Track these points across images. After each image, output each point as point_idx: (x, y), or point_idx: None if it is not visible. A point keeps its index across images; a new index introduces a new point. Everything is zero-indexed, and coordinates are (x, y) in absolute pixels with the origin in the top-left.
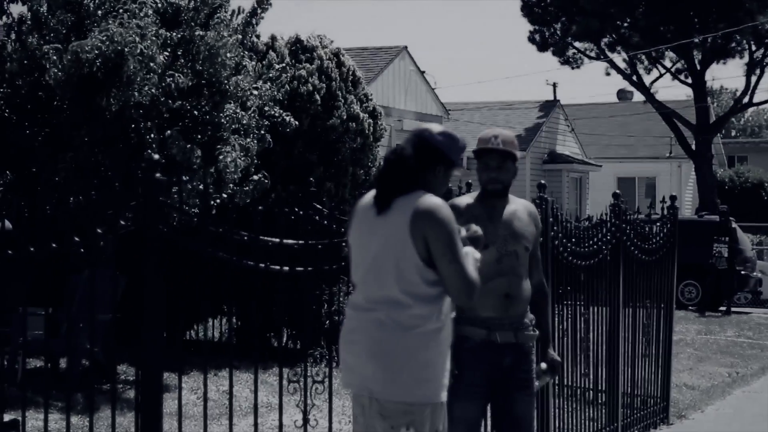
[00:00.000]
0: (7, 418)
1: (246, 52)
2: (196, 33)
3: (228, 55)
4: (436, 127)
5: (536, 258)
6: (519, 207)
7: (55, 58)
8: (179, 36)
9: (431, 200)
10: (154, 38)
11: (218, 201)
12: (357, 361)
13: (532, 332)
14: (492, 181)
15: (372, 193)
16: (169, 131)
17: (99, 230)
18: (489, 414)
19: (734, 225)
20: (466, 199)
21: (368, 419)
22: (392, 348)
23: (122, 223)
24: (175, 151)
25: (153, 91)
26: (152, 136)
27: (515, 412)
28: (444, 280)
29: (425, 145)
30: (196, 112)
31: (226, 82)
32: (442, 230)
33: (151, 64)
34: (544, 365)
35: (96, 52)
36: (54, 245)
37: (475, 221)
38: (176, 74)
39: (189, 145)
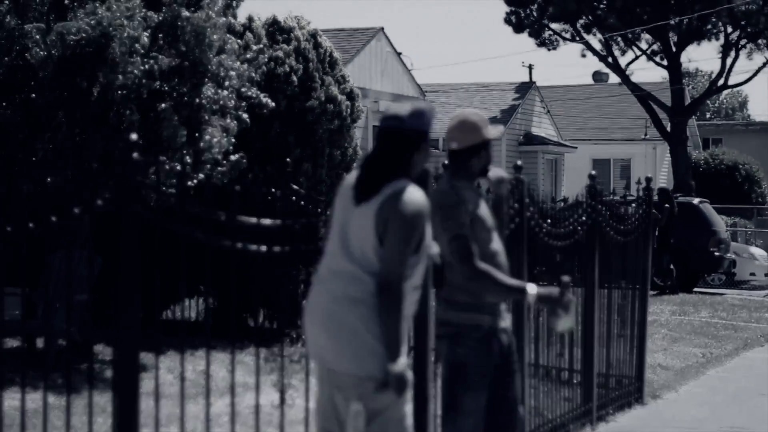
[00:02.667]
0: None
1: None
2: (183, 14)
3: (214, 36)
4: (401, 110)
5: None
6: None
7: (38, 37)
8: (161, 17)
9: (406, 195)
10: (140, 19)
11: (196, 181)
12: (314, 332)
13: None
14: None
15: (356, 173)
16: (163, 105)
17: (76, 210)
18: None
19: (701, 205)
20: (467, 191)
21: (327, 390)
22: (342, 320)
23: (99, 203)
24: (165, 126)
25: (136, 72)
26: (132, 116)
27: (511, 395)
28: (381, 258)
29: (400, 135)
30: (175, 93)
31: (209, 62)
32: (403, 222)
33: (136, 46)
34: None
35: (83, 34)
36: (30, 225)
37: (476, 206)
38: (159, 56)
39: (176, 122)
